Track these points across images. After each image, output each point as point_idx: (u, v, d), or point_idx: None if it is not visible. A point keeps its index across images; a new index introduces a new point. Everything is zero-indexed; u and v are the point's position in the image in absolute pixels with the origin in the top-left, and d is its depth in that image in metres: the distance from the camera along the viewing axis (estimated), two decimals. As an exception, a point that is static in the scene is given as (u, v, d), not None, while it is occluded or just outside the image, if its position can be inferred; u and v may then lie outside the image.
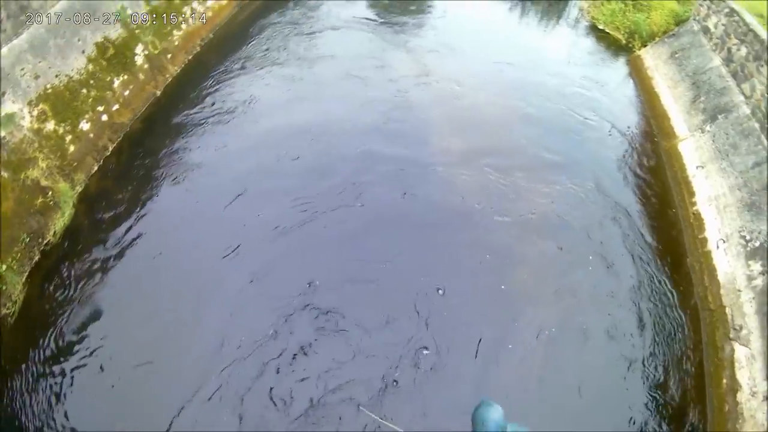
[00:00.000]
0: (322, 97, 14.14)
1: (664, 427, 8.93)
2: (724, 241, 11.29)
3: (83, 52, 11.47)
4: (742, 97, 13.57)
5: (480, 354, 9.16)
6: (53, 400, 7.76)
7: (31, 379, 7.98)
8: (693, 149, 13.80)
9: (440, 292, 9.94)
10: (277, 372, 8.33)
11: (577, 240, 11.57)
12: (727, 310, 10.20)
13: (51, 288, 9.06)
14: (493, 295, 10.16)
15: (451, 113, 14.53)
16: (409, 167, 12.44)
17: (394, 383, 8.46)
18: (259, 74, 14.63)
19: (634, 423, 8.87)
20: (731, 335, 9.79)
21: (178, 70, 13.88)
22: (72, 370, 8.10)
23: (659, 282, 11.11)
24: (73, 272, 9.31)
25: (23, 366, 8.08)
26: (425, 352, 8.95)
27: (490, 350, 9.23)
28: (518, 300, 10.15)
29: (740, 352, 9.47)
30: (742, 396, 8.89)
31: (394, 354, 8.87)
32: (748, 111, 12.98)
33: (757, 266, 10.36)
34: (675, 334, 10.29)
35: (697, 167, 13.21)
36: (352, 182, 11.74)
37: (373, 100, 14.35)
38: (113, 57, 12.03)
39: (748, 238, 10.89)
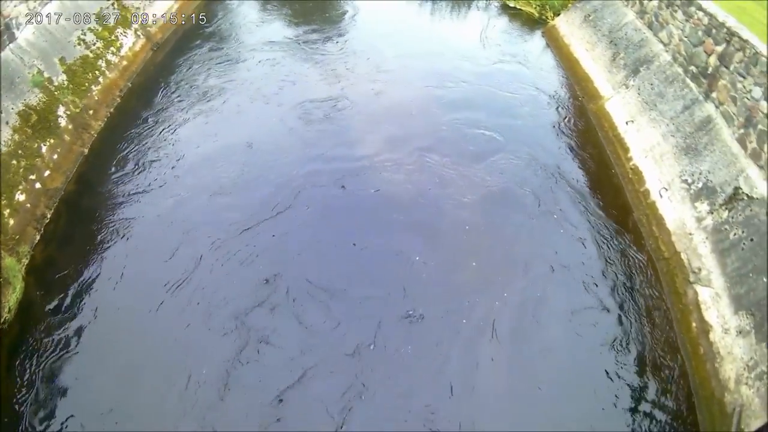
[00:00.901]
0: (242, 123, 14.23)
1: (643, 382, 9.05)
2: (666, 189, 11.53)
3: (7, 123, 11.23)
4: (661, 46, 13.91)
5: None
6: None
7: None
8: (620, 106, 14.12)
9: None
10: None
11: (521, 213, 11.86)
12: (683, 255, 10.41)
13: (16, 365, 8.85)
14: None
15: (369, 111, 14.71)
16: (339, 166, 12.77)
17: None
18: (180, 114, 14.57)
19: (612, 382, 9.01)
20: (691, 279, 9.98)
21: (102, 125, 13.66)
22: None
23: (610, 241, 11.35)
24: (32, 345, 9.10)
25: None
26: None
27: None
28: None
29: (704, 293, 9.66)
30: (715, 335, 9.05)
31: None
32: (669, 58, 13.30)
33: (704, 206, 10.58)
34: (634, 289, 10.49)
35: (627, 123, 13.50)
36: (291, 191, 12.05)
37: (289, 115, 14.50)
38: (37, 123, 11.80)
39: (690, 181, 11.13)
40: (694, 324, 9.52)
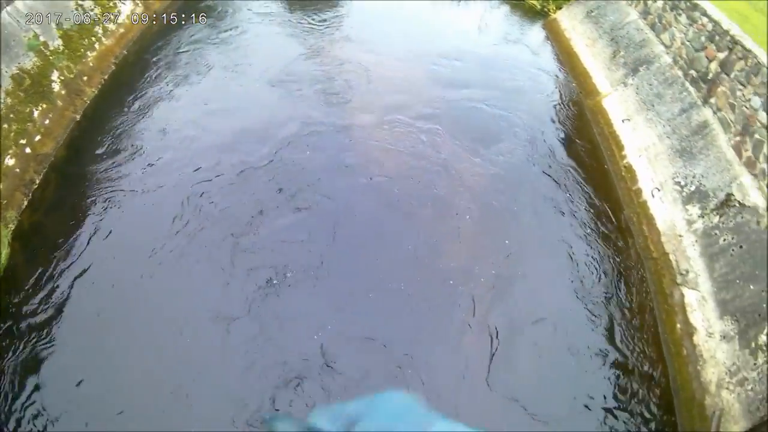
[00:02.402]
0: (237, 92, 14.15)
1: (623, 381, 9.14)
2: (659, 190, 11.60)
3: (0, 86, 11.06)
4: (662, 47, 13.91)
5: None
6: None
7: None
8: (617, 103, 14.13)
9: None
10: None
11: (509, 199, 11.89)
12: (671, 256, 10.50)
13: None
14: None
15: (364, 94, 14.58)
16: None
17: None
18: (174, 83, 14.32)
19: (591, 379, 9.10)
20: (678, 280, 10.08)
21: (96, 92, 13.43)
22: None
23: (598, 236, 11.43)
24: (17, 312, 9.01)
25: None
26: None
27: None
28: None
29: (690, 295, 9.75)
30: (699, 338, 9.16)
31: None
32: (669, 60, 13.32)
33: (695, 209, 10.66)
34: (620, 287, 10.58)
35: (623, 120, 13.53)
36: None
37: (291, 84, 14.49)
38: (30, 87, 11.60)
39: (683, 183, 11.19)
40: (678, 325, 9.61)
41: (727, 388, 8.29)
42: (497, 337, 9.31)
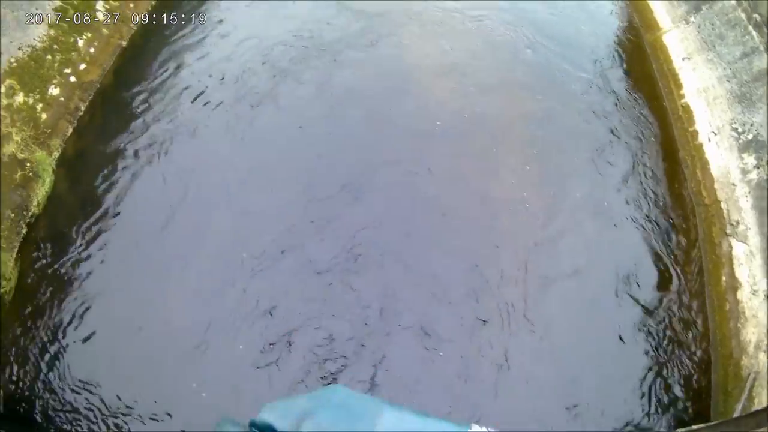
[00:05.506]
0: (291, 19, 13.61)
1: (661, 331, 9.00)
2: (715, 134, 11.12)
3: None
4: (726, -13, 13.16)
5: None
6: (57, 378, 7.79)
7: (40, 355, 8.00)
8: (678, 41, 13.44)
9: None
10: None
11: (564, 130, 11.68)
12: (723, 204, 10.14)
13: (43, 257, 8.99)
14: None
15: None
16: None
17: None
18: (229, 8, 13.86)
19: (629, 328, 8.97)
20: (728, 231, 9.74)
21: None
22: (74, 342, 8.12)
23: (651, 175, 11.10)
24: (62, 237, 9.22)
25: (25, 343, 8.08)
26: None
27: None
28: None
29: (738, 248, 9.43)
30: (743, 294, 8.88)
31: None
32: (733, 1, 12.58)
33: (751, 159, 10.21)
34: (670, 232, 10.29)
35: (683, 59, 12.90)
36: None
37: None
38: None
39: (740, 130, 10.70)
40: (723, 278, 9.34)
41: (766, 351, 8.07)
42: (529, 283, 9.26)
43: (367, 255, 9.33)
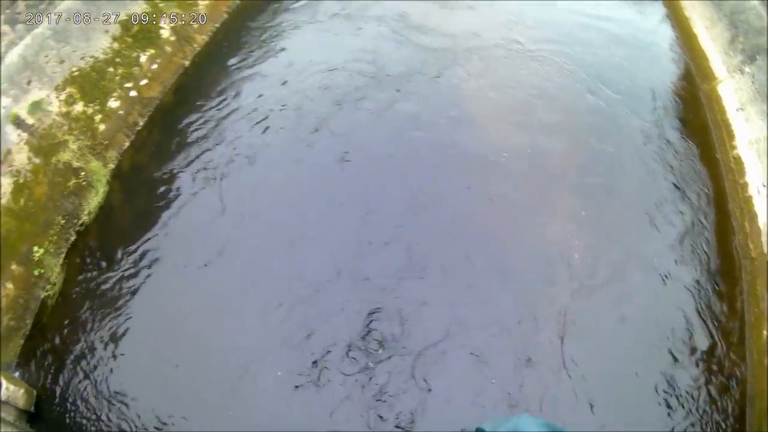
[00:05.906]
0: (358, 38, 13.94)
1: (698, 375, 8.73)
2: (765, 186, 10.77)
3: (107, 31, 11.51)
4: (781, 37, 12.80)
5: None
6: (92, 386, 7.99)
7: (75, 362, 8.23)
8: (732, 91, 13.09)
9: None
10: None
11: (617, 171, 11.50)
12: (768, 258, 9.81)
13: (90, 268, 9.26)
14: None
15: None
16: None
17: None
18: (294, 30, 14.13)
19: (665, 365, 8.78)
20: (772, 285, 9.41)
21: (206, 39, 13.70)
22: (112, 355, 8.32)
23: (702, 228, 10.75)
24: (110, 250, 9.49)
25: (62, 349, 8.31)
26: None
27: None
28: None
29: (785, 307, 9.11)
30: (786, 360, 8.57)
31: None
32: (787, 50, 12.25)
33: (797, 213, 9.90)
34: (715, 281, 9.96)
35: (736, 109, 12.56)
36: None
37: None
38: (138, 33, 12.05)
39: (787, 184, 10.40)
40: (765, 332, 9.03)
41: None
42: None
43: (429, 268, 9.40)
